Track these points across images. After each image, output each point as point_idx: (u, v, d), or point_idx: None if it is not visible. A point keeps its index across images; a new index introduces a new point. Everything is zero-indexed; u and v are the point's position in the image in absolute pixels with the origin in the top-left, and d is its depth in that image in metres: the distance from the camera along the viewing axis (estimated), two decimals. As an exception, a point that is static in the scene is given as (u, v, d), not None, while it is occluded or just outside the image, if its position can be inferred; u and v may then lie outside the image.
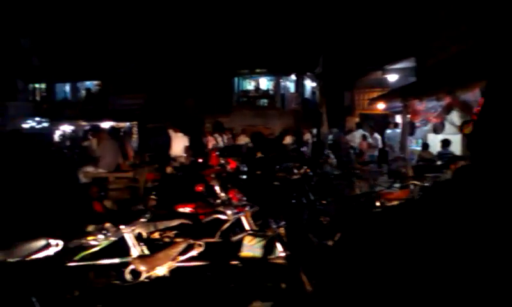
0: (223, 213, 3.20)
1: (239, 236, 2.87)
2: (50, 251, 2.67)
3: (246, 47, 23.27)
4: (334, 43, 17.77)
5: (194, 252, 2.65)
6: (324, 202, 6.98)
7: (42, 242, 2.64)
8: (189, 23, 23.68)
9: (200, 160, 13.50)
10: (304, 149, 14.83)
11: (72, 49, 24.67)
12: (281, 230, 2.89)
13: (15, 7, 20.71)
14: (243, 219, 3.31)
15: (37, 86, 28.70)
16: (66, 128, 26.18)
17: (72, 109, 26.90)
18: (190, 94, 24.82)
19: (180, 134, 14.00)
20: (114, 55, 24.73)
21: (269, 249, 2.84)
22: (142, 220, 2.90)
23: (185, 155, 13.31)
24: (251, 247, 2.81)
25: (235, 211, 3.24)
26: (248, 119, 23.49)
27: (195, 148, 14.68)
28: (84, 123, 26.62)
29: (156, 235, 3.29)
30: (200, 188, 5.07)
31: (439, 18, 11.29)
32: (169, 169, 11.40)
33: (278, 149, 13.40)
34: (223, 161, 8.37)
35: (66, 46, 24.57)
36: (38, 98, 28.80)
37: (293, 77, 25.44)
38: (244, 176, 8.22)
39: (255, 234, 2.91)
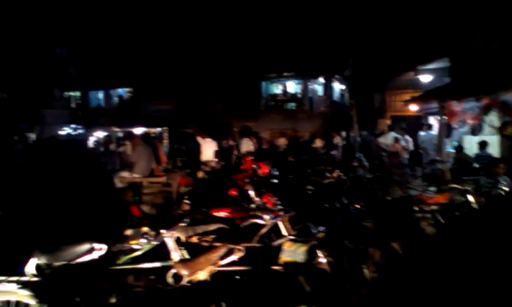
0: (261, 218, 3.20)
1: (280, 241, 2.85)
2: (95, 255, 2.73)
3: (273, 51, 23.29)
4: (364, 44, 17.52)
5: (234, 257, 2.66)
6: (357, 206, 6.86)
7: (87, 246, 2.72)
8: (217, 29, 23.93)
9: (215, 166, 13.59)
10: (334, 152, 14.67)
11: (105, 58, 25.41)
12: (322, 235, 2.85)
13: (51, 18, 21.58)
14: (280, 224, 3.29)
15: (72, 94, 29.70)
16: (100, 134, 26.99)
17: (105, 115, 27.69)
18: (218, 99, 25.08)
19: (208, 139, 14.19)
20: (145, 63, 25.29)
21: (310, 254, 2.81)
22: (181, 224, 2.93)
23: (215, 159, 13.47)
24: (292, 253, 2.79)
25: (273, 216, 3.23)
26: (276, 123, 23.49)
27: (224, 152, 14.83)
28: (116, 129, 27.35)
29: (194, 239, 3.32)
30: (234, 192, 5.09)
31: (475, 16, 10.93)
32: (200, 174, 11.56)
33: (309, 153, 13.32)
34: (254, 165, 8.37)
35: (99, 55, 25.33)
36: (73, 105, 29.79)
37: (321, 79, 25.22)
38: (276, 181, 8.18)
39: (295, 239, 2.89)
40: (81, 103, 29.71)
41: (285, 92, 26.63)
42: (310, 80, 25.30)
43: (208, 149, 13.43)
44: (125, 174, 9.07)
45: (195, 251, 2.96)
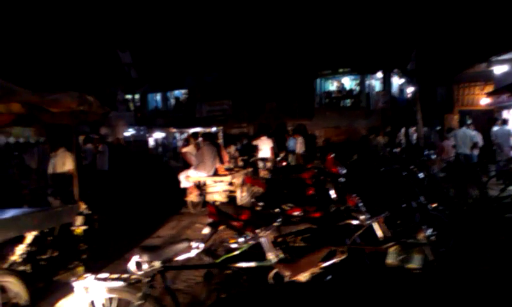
0: (356, 218, 3.03)
1: (388, 244, 2.68)
2: (192, 253, 2.71)
3: (328, 47, 22.81)
4: (429, 34, 16.57)
5: (336, 259, 2.52)
6: (434, 205, 6.46)
7: (185, 244, 2.70)
8: (271, 27, 23.88)
9: (284, 163, 13.50)
10: (397, 150, 14.06)
11: (163, 61, 26.25)
12: (432, 238, 2.63)
13: (115, 24, 22.68)
14: (375, 225, 3.11)
15: (130, 96, 30.99)
16: (158, 135, 27.95)
17: (162, 117, 28.65)
18: (273, 98, 25.04)
19: (264, 137, 14.24)
20: (202, 65, 25.80)
21: (418, 258, 2.61)
22: (275, 224, 2.84)
23: (271, 156, 13.48)
24: (398, 256, 2.60)
25: (369, 217, 3.05)
26: (332, 120, 23.01)
27: (279, 150, 14.78)
28: (174, 130, 28.21)
29: (283, 239, 3.23)
30: (311, 192, 4.95)
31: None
32: (262, 173, 11.55)
33: (371, 151, 12.88)
34: (321, 164, 8.16)
35: (158, 58, 26.21)
36: (132, 107, 31.10)
37: (379, 74, 24.34)
38: (343, 179, 7.93)
39: (403, 242, 2.69)
40: (140, 105, 30.92)
41: (340, 88, 26.01)
42: (367, 75, 24.51)
43: (264, 147, 13.55)
44: (190, 172, 9.23)
45: (290, 251, 2.86)
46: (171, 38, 25.20)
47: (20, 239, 3.76)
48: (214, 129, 25.60)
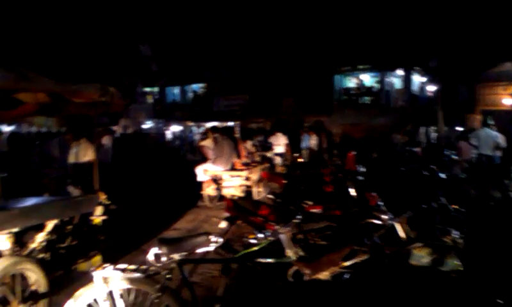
0: (378, 217, 2.96)
1: (413, 245, 2.60)
2: (211, 247, 2.69)
3: (347, 43, 22.51)
4: (452, 33, 16.17)
5: (358, 259, 2.46)
6: (455, 207, 6.32)
7: (204, 238, 2.69)
8: (289, 22, 23.69)
9: (301, 160, 13.43)
10: (417, 149, 13.80)
11: (182, 55, 26.36)
12: (460, 241, 2.55)
13: (136, 16, 22.91)
14: (397, 226, 3.03)
15: (149, 89, 31.23)
16: (176, 128, 28.16)
17: (180, 110, 28.80)
18: (290, 93, 24.88)
19: (279, 134, 14.22)
20: (220, 59, 25.81)
21: (443, 261, 2.53)
22: (295, 221, 2.80)
23: (285, 152, 13.46)
24: (422, 257, 2.53)
25: (391, 216, 2.97)
26: (350, 118, 22.73)
27: (294, 146, 14.73)
28: (191, 124, 28.37)
29: (302, 236, 3.19)
30: (330, 189, 4.89)
31: None
32: (279, 169, 11.50)
33: (391, 150, 12.68)
34: (339, 162, 8.06)
35: (177, 52, 26.33)
36: (151, 100, 31.36)
37: (399, 72, 23.94)
38: (361, 178, 7.81)
39: (427, 243, 2.62)
40: (159, 98, 31.15)
41: (359, 85, 25.67)
42: (387, 72, 24.13)
43: (278, 143, 13.56)
44: (208, 166, 9.25)
45: (308, 249, 2.82)
46: (190, 32, 25.28)
47: (40, 227, 3.81)
48: (230, 123, 25.69)
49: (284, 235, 2.68)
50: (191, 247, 2.65)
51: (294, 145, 14.70)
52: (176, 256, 2.55)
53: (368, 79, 25.67)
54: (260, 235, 2.56)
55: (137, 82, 23.81)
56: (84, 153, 5.35)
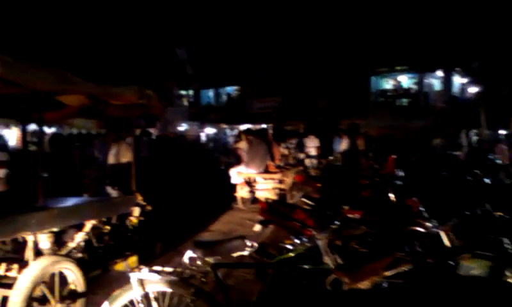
0: (421, 225, 2.81)
1: (459, 255, 2.45)
2: (246, 251, 2.65)
3: (384, 43, 21.96)
4: (496, 31, 15.40)
5: (401, 268, 2.34)
6: (500, 214, 5.97)
7: (239, 242, 2.65)
8: (324, 22, 23.41)
9: (336, 163, 13.17)
10: (459, 153, 13.27)
11: (217, 58, 26.62)
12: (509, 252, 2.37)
13: (172, 20, 23.37)
14: (442, 234, 2.86)
15: (184, 92, 31.70)
16: (209, 130, 28.45)
17: (214, 113, 29.06)
18: (324, 95, 24.55)
19: (312, 136, 14.06)
20: (254, 62, 25.85)
21: (498, 270, 2.35)
22: (333, 227, 2.70)
23: (316, 155, 13.30)
24: (473, 268, 2.37)
25: (436, 224, 2.81)
26: (387, 120, 22.15)
27: (328, 149, 14.52)
28: (224, 126, 28.58)
29: (340, 242, 3.08)
30: (366, 194, 4.73)
31: None
32: (313, 172, 11.35)
33: (430, 154, 12.24)
34: (376, 165, 7.83)
35: (212, 55, 26.62)
36: (185, 103, 31.82)
37: (439, 73, 23.10)
38: (400, 182, 7.56)
39: (478, 254, 2.45)
40: (194, 101, 31.57)
41: (397, 87, 24.99)
42: (425, 73, 23.35)
43: (309, 145, 13.44)
44: (241, 169, 9.24)
45: (347, 256, 2.71)
46: (224, 35, 25.49)
47: (79, 227, 3.89)
48: (263, 126, 25.65)
49: (322, 241, 2.60)
50: (226, 251, 2.61)
51: (328, 148, 14.51)
52: (211, 260, 2.52)
53: (405, 80, 24.97)
54: (297, 241, 2.49)
55: (174, 85, 24.21)
56: (122, 155, 5.45)
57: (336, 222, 2.75)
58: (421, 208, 3.89)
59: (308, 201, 5.03)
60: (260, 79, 26.92)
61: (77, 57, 16.95)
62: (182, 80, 27.17)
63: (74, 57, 16.71)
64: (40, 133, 4.17)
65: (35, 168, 3.70)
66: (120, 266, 4.11)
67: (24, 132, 4.65)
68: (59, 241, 3.67)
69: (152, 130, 16.78)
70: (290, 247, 2.55)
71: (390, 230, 3.11)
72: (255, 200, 8.82)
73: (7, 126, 10.22)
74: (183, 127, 21.15)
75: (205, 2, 25.47)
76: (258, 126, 23.47)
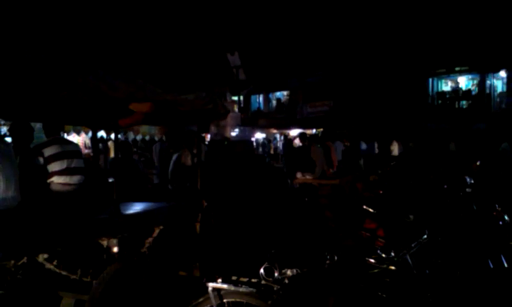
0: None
1: None
2: (325, 264, 2.52)
3: (442, 42, 20.94)
4: None
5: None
6: None
7: (318, 254, 2.52)
8: (377, 22, 22.74)
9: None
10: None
11: (267, 62, 26.67)
12: None
13: (224, 25, 23.74)
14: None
15: (236, 98, 32.02)
16: (259, 135, 28.48)
17: (264, 118, 29.09)
18: (378, 98, 23.80)
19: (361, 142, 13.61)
20: (305, 66, 25.62)
21: None
22: (421, 240, 2.50)
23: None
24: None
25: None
26: (444, 123, 21.11)
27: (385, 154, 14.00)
28: (274, 131, 28.50)
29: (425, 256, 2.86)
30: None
31: None
32: (371, 177, 10.94)
33: (497, 158, 11.42)
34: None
35: (263, 60, 26.69)
36: (236, 109, 32.11)
37: (502, 73, 21.67)
38: (469, 189, 7.06)
39: None
40: (244, 106, 31.82)
41: (456, 89, 23.73)
42: (487, 74, 21.99)
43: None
44: (298, 174, 9.11)
45: (435, 271, 2.50)
46: (277, 40, 25.48)
47: (148, 232, 3.93)
48: (313, 131, 25.29)
49: (409, 257, 2.41)
50: (304, 263, 2.50)
51: (385, 153, 14.02)
52: (289, 272, 2.41)
53: (465, 82, 23.70)
54: (383, 256, 2.32)
55: (226, 91, 24.55)
56: (184, 161, 5.51)
57: (425, 237, 2.54)
58: (506, 218, 3.57)
59: (370, 209, 4.81)
60: (312, 84, 26.63)
61: (131, 63, 17.61)
62: (234, 86, 27.50)
63: (128, 63, 17.37)
64: (115, 140, 4.28)
65: (109, 174, 3.78)
66: (190, 273, 4.11)
67: (95, 139, 4.81)
68: (129, 246, 3.72)
69: (205, 135, 17.08)
70: (372, 261, 2.38)
71: (477, 242, 2.84)
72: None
73: (78, 133, 10.76)
74: (234, 132, 21.32)
75: (257, 7, 25.65)
76: (309, 132, 23.23)
